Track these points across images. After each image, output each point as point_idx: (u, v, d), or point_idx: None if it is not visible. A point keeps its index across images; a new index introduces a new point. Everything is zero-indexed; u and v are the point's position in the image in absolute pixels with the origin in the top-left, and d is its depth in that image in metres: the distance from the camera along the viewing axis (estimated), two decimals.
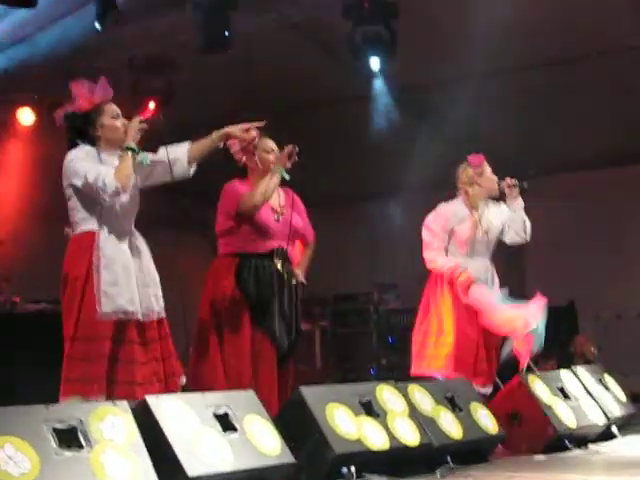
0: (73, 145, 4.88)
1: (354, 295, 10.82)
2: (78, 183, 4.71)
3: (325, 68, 9.17)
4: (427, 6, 8.19)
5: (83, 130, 4.87)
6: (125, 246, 4.83)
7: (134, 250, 4.88)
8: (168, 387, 4.79)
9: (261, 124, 5.27)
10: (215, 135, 5.13)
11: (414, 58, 8.92)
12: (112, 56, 8.14)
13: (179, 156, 5.04)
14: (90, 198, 4.73)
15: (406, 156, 10.01)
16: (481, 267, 6.48)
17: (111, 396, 4.55)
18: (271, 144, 5.70)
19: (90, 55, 7.93)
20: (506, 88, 9.45)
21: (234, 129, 5.18)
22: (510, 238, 6.60)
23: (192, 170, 5.10)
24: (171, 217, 11.23)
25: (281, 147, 5.66)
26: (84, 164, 4.72)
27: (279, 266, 5.54)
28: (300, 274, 5.71)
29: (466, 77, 9.16)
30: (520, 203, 6.57)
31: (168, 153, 5.01)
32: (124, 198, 4.83)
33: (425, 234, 6.47)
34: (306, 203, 5.88)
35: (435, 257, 6.41)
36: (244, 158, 5.65)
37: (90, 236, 4.76)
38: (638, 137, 10.33)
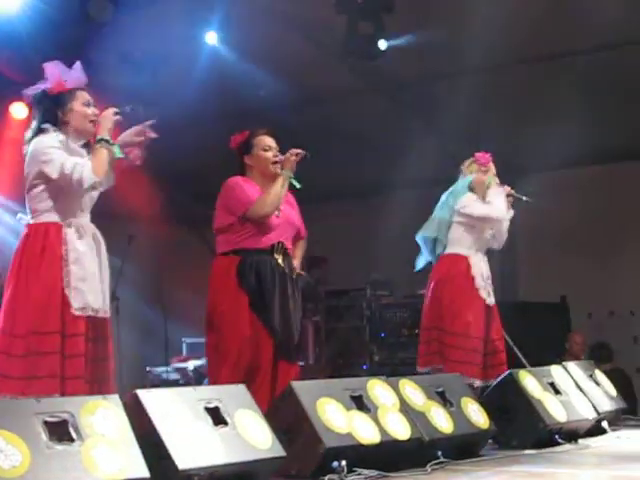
0: (38, 129, 4.73)
1: (346, 291, 10.81)
2: (53, 173, 4.58)
3: (319, 64, 9.17)
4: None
5: (51, 112, 4.74)
6: (90, 240, 4.76)
7: (96, 245, 4.80)
8: (107, 389, 4.63)
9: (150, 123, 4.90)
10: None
11: (409, 53, 8.93)
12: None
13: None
14: (58, 189, 4.64)
15: (400, 153, 10.02)
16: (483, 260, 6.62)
17: (63, 393, 4.47)
18: (269, 141, 5.69)
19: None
20: (503, 84, 9.44)
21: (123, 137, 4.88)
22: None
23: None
24: (170, 215, 11.27)
25: (280, 144, 5.67)
26: (60, 153, 4.61)
27: (280, 261, 5.55)
28: (298, 266, 5.74)
29: (462, 73, 9.16)
30: (510, 213, 6.64)
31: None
32: (96, 193, 4.77)
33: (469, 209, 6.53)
34: (299, 200, 5.90)
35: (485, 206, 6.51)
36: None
37: (54, 228, 4.66)
38: (636, 135, 10.32)
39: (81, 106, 4.78)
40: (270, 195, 5.50)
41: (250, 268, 5.49)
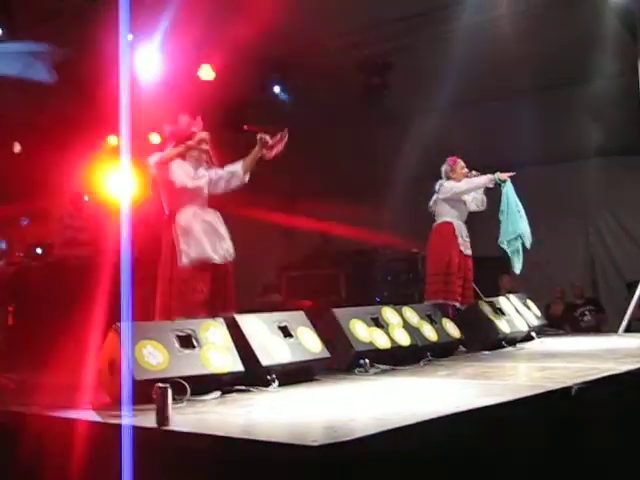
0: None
1: (365, 250, 10.71)
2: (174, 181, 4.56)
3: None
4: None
5: (178, 143, 4.67)
6: (199, 217, 4.60)
7: (207, 219, 4.63)
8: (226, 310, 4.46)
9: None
10: (255, 150, 4.77)
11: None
12: None
13: (236, 169, 4.77)
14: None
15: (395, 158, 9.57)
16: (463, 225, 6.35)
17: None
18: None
19: None
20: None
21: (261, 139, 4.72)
22: (473, 208, 6.43)
23: (246, 177, 4.79)
24: None
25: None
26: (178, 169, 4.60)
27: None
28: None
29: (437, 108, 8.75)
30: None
31: (227, 169, 4.80)
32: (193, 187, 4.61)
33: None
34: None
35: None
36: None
37: (172, 213, 4.61)
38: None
39: (196, 144, 4.68)
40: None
41: None
